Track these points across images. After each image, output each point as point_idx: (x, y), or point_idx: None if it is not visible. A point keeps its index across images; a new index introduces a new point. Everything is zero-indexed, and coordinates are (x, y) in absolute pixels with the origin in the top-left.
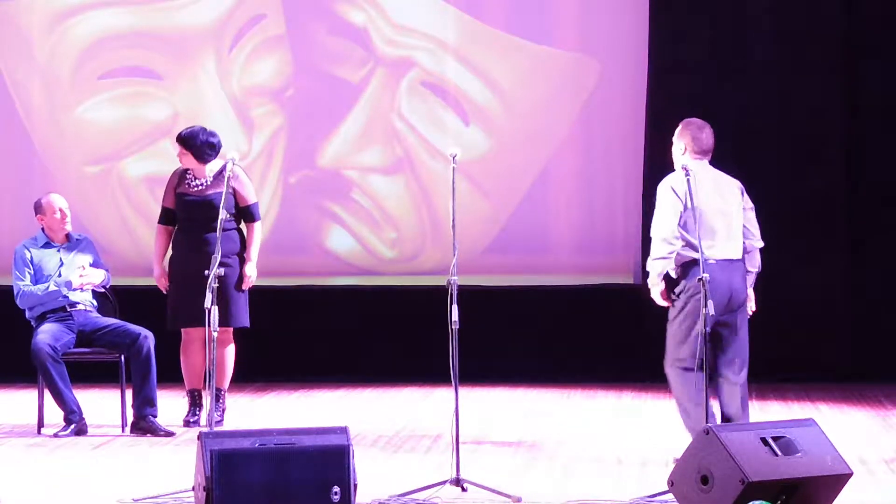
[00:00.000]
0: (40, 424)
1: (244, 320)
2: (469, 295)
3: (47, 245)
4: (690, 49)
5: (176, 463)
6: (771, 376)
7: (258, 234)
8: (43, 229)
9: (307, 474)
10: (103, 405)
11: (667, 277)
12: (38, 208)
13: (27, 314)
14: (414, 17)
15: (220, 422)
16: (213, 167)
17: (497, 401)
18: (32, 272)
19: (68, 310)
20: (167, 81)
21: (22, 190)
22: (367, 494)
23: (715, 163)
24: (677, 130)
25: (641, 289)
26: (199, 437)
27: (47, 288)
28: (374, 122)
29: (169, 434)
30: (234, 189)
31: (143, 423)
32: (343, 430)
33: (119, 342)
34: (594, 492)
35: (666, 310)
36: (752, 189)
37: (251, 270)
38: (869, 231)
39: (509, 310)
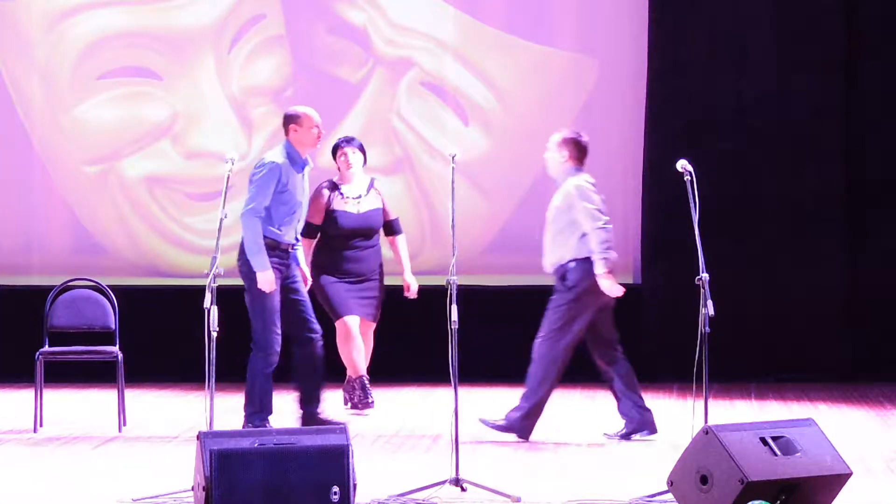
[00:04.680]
0: (38, 424)
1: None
2: (469, 295)
3: (301, 166)
4: (690, 49)
5: (175, 463)
6: (771, 376)
7: (404, 244)
8: (291, 143)
9: (306, 474)
10: (103, 405)
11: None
12: (294, 119)
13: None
14: (413, 17)
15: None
16: (364, 180)
17: (497, 401)
18: (272, 195)
19: (290, 251)
20: (167, 81)
21: (21, 190)
22: (366, 494)
23: (716, 163)
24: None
25: (641, 289)
26: (198, 437)
27: (266, 260)
28: (374, 122)
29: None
30: (383, 205)
31: (312, 421)
32: (343, 430)
33: (290, 326)
34: (594, 492)
35: (670, 308)
36: (751, 188)
37: (411, 279)
38: (868, 230)
39: (509, 310)
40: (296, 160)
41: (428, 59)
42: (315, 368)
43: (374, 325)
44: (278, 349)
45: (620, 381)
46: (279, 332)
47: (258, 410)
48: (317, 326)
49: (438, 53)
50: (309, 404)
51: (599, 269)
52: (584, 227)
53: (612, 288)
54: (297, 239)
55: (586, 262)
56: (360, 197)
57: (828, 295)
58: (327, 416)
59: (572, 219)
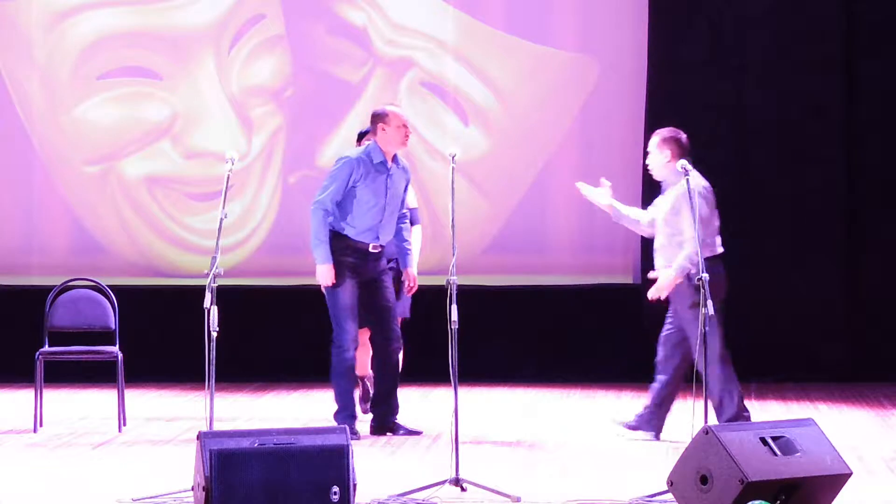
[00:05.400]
0: (38, 424)
1: (406, 311)
2: (469, 295)
3: (382, 165)
4: (690, 49)
5: (175, 463)
6: (771, 376)
7: (418, 237)
8: (378, 142)
9: (306, 474)
10: (103, 405)
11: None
12: (382, 117)
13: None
14: (413, 17)
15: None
16: None
17: (497, 401)
18: (344, 193)
19: (371, 250)
20: (167, 81)
21: (21, 190)
22: (366, 494)
23: (716, 163)
24: (661, 140)
25: (641, 288)
26: (198, 437)
27: (326, 253)
28: None
29: (414, 433)
30: None
31: (386, 425)
32: (342, 430)
33: (371, 328)
34: (594, 492)
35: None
36: (751, 188)
37: (413, 273)
38: (868, 231)
39: (509, 310)
40: (376, 159)
41: (428, 59)
42: (385, 373)
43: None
44: (352, 346)
45: (668, 380)
46: (352, 330)
47: (340, 409)
48: (392, 333)
49: (438, 53)
50: (377, 406)
51: (674, 271)
52: (684, 233)
53: (663, 288)
54: (377, 238)
55: (708, 261)
56: None
57: (828, 295)
58: (403, 424)
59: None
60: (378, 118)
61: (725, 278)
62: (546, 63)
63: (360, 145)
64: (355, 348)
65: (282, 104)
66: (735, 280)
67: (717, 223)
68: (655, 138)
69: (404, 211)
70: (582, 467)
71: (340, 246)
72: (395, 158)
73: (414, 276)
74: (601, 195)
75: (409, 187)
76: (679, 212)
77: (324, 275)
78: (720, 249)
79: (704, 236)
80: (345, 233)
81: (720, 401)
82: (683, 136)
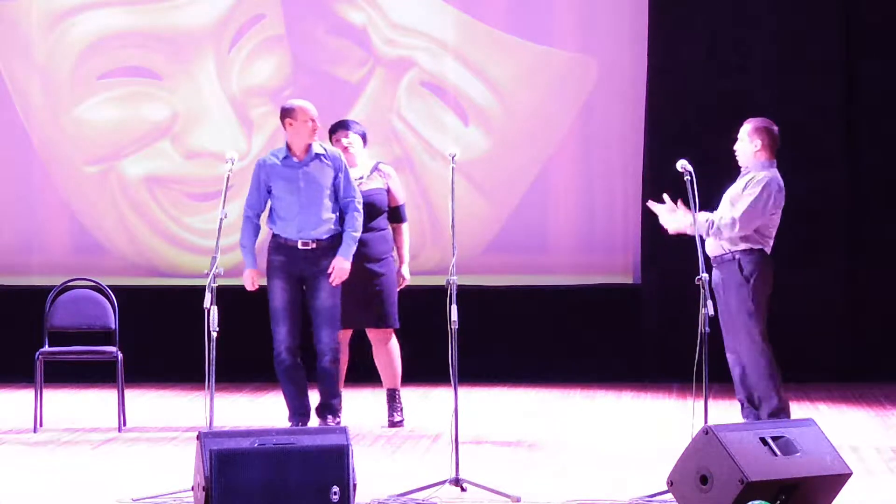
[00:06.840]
0: (38, 424)
1: (396, 321)
2: (468, 295)
3: (289, 160)
4: (690, 49)
5: (175, 463)
6: None
7: (407, 234)
8: (288, 137)
9: (306, 474)
10: (103, 405)
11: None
12: (289, 112)
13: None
14: (413, 17)
15: (400, 422)
16: (367, 164)
17: (497, 401)
18: (261, 196)
19: (300, 247)
20: (166, 81)
21: (21, 190)
22: (366, 494)
23: (716, 163)
24: (753, 129)
25: (641, 289)
26: (198, 437)
27: (247, 259)
28: (374, 122)
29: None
30: (388, 188)
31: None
32: (342, 430)
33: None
34: (594, 492)
35: (670, 308)
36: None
37: (407, 271)
38: (869, 231)
39: (509, 310)
40: (280, 155)
41: (428, 59)
42: (322, 379)
43: (380, 330)
44: (283, 348)
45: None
46: (284, 331)
47: (290, 413)
48: (320, 339)
49: (438, 53)
50: (320, 410)
51: (696, 222)
52: (735, 210)
53: (679, 224)
54: (300, 233)
55: (760, 253)
56: (361, 178)
57: (828, 295)
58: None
59: None
60: (285, 113)
61: (772, 275)
62: (546, 63)
63: (332, 140)
64: (288, 350)
65: (281, 104)
66: None
67: (776, 222)
68: (747, 126)
69: (349, 200)
70: (582, 467)
71: (273, 245)
72: (309, 150)
73: (339, 266)
74: (678, 218)
75: (388, 181)
76: (745, 193)
77: (245, 280)
78: (768, 249)
79: (762, 228)
80: (275, 231)
81: (763, 395)
82: (775, 128)
